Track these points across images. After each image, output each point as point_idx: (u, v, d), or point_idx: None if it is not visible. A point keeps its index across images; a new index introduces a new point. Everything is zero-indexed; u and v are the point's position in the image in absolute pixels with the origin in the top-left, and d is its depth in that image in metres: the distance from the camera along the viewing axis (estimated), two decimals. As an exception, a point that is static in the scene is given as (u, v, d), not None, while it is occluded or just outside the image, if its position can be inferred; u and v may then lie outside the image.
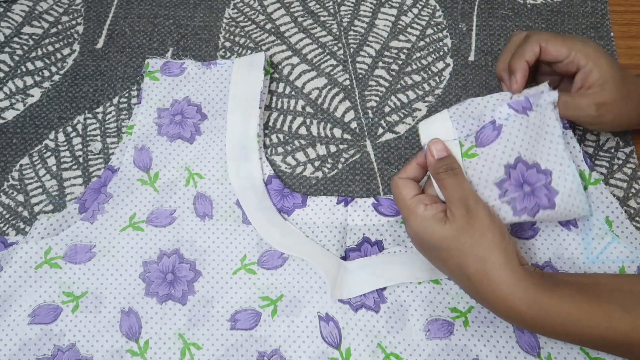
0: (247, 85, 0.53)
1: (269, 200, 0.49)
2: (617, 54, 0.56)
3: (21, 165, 0.52)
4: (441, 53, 0.57)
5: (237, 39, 0.58)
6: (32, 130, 0.54)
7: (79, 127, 0.54)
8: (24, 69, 0.57)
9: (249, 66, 0.54)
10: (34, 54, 0.57)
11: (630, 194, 0.49)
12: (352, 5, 0.60)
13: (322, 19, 0.59)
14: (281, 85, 0.56)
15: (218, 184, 0.50)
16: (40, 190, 0.51)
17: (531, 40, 0.46)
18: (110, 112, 0.55)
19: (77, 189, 0.51)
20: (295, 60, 0.57)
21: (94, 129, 0.54)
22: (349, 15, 0.59)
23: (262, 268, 0.47)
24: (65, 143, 0.53)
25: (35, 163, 0.52)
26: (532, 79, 0.50)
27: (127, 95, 0.56)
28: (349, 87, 0.56)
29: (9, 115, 0.55)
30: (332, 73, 0.56)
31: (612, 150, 0.51)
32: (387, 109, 0.54)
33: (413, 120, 0.54)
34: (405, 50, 0.57)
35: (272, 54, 0.57)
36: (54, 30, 0.59)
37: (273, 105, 0.55)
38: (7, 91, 0.56)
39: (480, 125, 0.42)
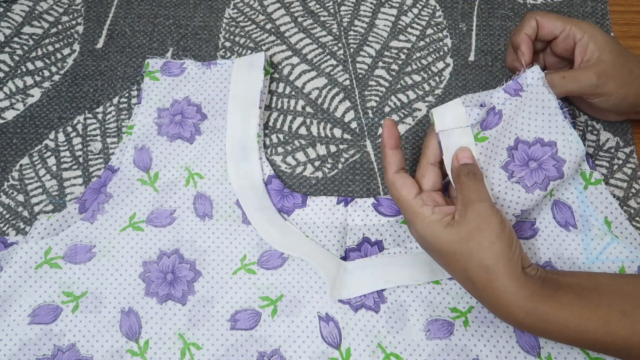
0: (247, 85, 0.53)
1: (269, 200, 0.49)
2: (617, 54, 0.56)
3: (21, 165, 0.52)
4: (441, 53, 0.57)
5: (237, 39, 0.58)
6: (32, 130, 0.54)
7: (79, 127, 0.54)
8: (24, 69, 0.57)
9: (249, 66, 0.54)
10: (34, 54, 0.57)
11: (630, 194, 0.49)
12: (352, 5, 0.60)
13: (322, 19, 0.59)
14: (281, 85, 0.56)
15: (218, 184, 0.50)
16: (40, 190, 0.51)
17: (528, 17, 0.48)
18: (110, 112, 0.55)
19: (77, 189, 0.51)
20: (295, 60, 0.57)
21: (94, 129, 0.54)
22: (349, 15, 0.59)
23: (262, 268, 0.47)
24: (65, 143, 0.53)
25: (35, 163, 0.52)
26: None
27: (127, 95, 0.56)
28: (349, 87, 0.56)
29: (9, 115, 0.55)
30: (332, 73, 0.56)
31: (612, 150, 0.51)
32: (387, 109, 0.54)
33: (413, 120, 0.54)
34: (405, 50, 0.57)
35: (272, 54, 0.57)
36: (54, 30, 0.59)
37: (273, 105, 0.55)
38: (7, 91, 0.56)
39: (485, 112, 0.44)
